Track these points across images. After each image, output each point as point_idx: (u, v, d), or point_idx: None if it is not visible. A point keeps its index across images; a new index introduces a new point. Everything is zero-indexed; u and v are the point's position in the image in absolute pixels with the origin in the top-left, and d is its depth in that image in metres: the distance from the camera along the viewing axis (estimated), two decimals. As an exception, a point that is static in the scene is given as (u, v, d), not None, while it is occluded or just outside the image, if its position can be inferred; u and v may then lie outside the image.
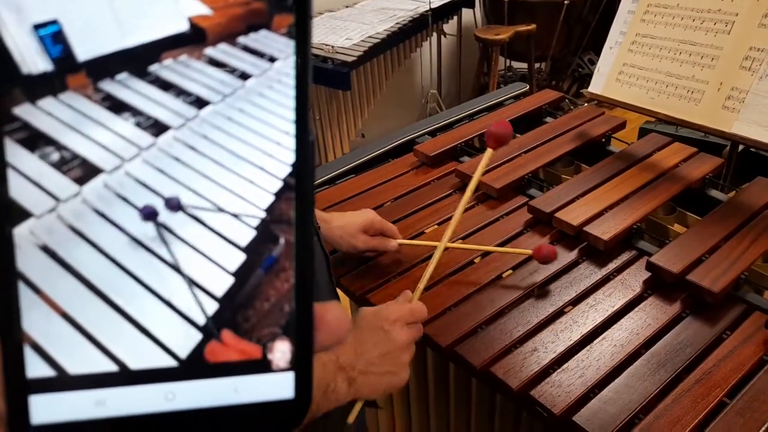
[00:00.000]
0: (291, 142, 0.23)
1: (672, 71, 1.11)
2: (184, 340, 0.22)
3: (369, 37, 2.34)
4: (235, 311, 0.23)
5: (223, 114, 0.25)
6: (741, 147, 1.28)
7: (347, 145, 2.52)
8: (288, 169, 0.23)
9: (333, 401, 0.59)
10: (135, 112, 0.24)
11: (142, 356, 0.22)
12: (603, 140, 1.28)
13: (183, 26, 0.24)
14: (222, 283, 0.23)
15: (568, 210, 1.03)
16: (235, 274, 0.23)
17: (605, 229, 0.97)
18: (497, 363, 0.79)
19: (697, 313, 0.84)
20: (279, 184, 0.23)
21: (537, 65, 3.25)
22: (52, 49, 0.23)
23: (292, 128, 0.23)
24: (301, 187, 0.23)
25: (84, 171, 0.23)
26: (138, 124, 0.24)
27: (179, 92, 0.25)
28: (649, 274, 0.91)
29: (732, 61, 1.03)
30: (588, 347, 0.80)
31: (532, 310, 0.87)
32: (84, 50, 0.23)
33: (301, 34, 0.23)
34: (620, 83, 1.20)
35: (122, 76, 0.24)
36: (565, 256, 0.96)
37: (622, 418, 0.71)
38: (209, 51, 0.25)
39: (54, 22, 0.22)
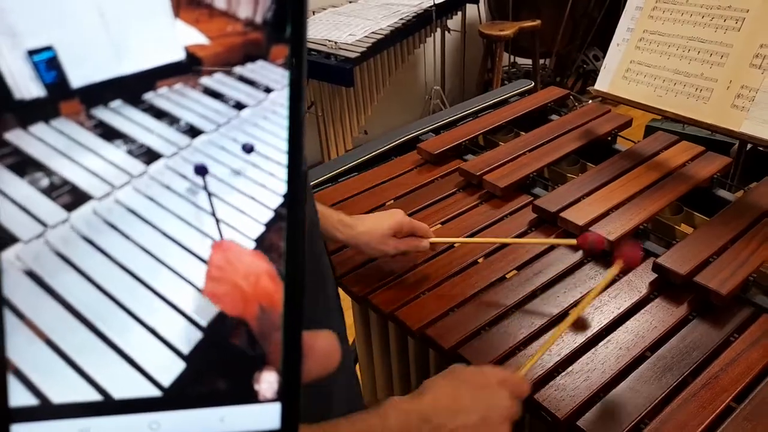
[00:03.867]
0: (283, 173, 0.23)
1: (680, 69, 1.09)
2: (169, 370, 0.22)
3: (372, 33, 2.32)
4: (219, 339, 0.23)
5: (216, 143, 0.25)
6: (749, 146, 1.27)
7: (350, 142, 2.50)
8: (280, 200, 0.23)
9: None
10: (127, 139, 0.24)
11: (126, 385, 0.22)
12: (609, 138, 1.26)
13: (179, 55, 0.24)
14: (208, 312, 0.23)
15: (573, 209, 1.01)
16: None
17: (611, 229, 0.96)
18: (501, 366, 0.78)
19: (704, 316, 0.83)
20: (270, 215, 0.23)
21: (542, 61, 3.23)
22: (46, 75, 0.22)
23: (284, 159, 0.23)
24: (292, 218, 0.23)
25: (73, 197, 0.23)
26: (130, 152, 0.25)
27: (173, 120, 0.25)
28: (656, 275, 0.89)
29: (742, 59, 1.01)
30: (593, 350, 0.79)
31: (536, 312, 0.85)
32: (78, 76, 0.23)
33: (295, 65, 0.22)
34: (627, 81, 1.18)
35: (116, 103, 0.24)
36: (570, 257, 0.95)
37: (627, 422, 0.70)
38: (205, 80, 0.25)
39: (48, 48, 0.22)
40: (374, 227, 0.84)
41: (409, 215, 1.08)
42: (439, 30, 2.92)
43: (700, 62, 1.06)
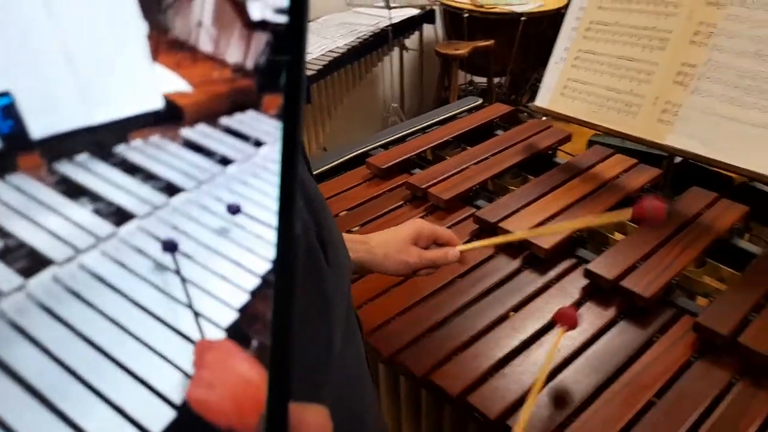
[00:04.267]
0: (273, 236, 0.20)
1: (612, 86, 1.15)
2: None
3: (329, 51, 2.36)
4: (195, 418, 0.20)
5: (197, 203, 0.22)
6: (680, 159, 1.33)
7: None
8: (268, 266, 0.20)
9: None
10: (94, 197, 0.21)
11: None
12: (550, 152, 1.32)
13: (157, 103, 0.21)
14: (180, 389, 0.20)
15: (512, 219, 1.06)
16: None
17: (547, 238, 1.00)
18: (438, 370, 0.80)
19: (630, 318, 0.88)
20: (256, 281, 0.21)
21: (498, 80, 3.31)
22: (2, 125, 0.20)
23: (275, 220, 0.20)
24: (281, 286, 0.20)
25: (31, 262, 0.20)
26: (97, 211, 0.21)
27: (148, 177, 0.22)
28: (588, 281, 0.94)
29: (667, 76, 1.07)
30: (525, 352, 0.82)
31: (476, 318, 0.89)
32: (39, 126, 0.20)
33: (290, 114, 0.19)
34: (565, 97, 1.24)
35: (82, 156, 0.21)
36: (508, 265, 0.99)
37: (557, 420, 0.73)
38: (186, 132, 0.22)
39: (6, 94, 0.19)
40: (391, 237, 0.78)
41: (359, 227, 1.12)
42: (397, 49, 2.99)
43: (630, 79, 1.12)
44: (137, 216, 0.22)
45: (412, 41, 3.15)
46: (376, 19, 2.74)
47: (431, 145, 1.36)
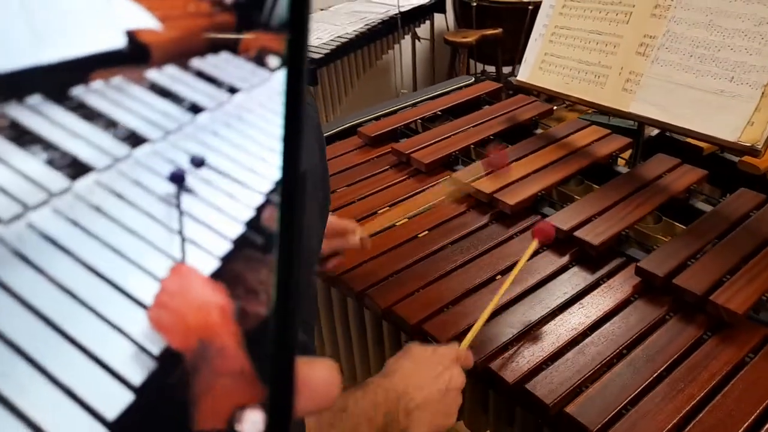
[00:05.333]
0: (247, 194, 0.18)
1: (583, 59, 1.23)
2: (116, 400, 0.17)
3: (338, 36, 2.46)
4: (156, 402, 0.18)
5: (163, 155, 0.20)
6: (657, 132, 1.40)
7: (318, 141, 2.63)
8: (239, 228, 0.19)
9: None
10: (47, 146, 0.19)
11: (64, 423, 0.17)
12: (530, 125, 1.40)
13: (119, 41, 0.19)
14: (140, 368, 0.18)
15: (483, 181, 1.14)
16: (158, 358, 0.18)
17: (513, 196, 1.09)
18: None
19: (581, 264, 0.96)
20: (227, 246, 0.19)
21: (511, 68, 3.38)
22: None
23: (248, 176, 0.18)
24: (287, 227, 0.18)
25: None
26: (50, 162, 0.19)
27: (109, 124, 0.20)
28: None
29: (630, 48, 1.15)
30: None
31: (438, 262, 0.97)
32: None
33: (295, 61, 0.18)
34: (542, 71, 1.32)
35: (34, 99, 0.19)
36: (478, 219, 1.08)
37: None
38: (153, 74, 0.20)
39: None
40: None
41: (345, 187, 1.21)
42: (408, 38, 3.08)
43: (598, 52, 1.20)
44: (95, 169, 0.19)
45: (424, 31, 3.23)
46: (385, 7, 2.83)
47: (418, 117, 1.45)
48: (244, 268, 0.19)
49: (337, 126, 1.46)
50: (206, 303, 0.18)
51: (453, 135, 1.34)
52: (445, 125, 1.40)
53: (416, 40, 3.22)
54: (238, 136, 0.20)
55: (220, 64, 0.20)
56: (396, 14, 2.74)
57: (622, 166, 1.24)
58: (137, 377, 0.18)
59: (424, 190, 1.19)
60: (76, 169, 0.19)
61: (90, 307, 0.18)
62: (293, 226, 0.18)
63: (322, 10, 2.90)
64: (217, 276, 0.19)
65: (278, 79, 0.17)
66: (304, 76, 0.18)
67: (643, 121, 1.15)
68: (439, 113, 1.48)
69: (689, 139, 1.30)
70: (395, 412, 0.60)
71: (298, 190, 0.18)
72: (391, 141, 1.38)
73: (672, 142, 1.39)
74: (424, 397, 0.62)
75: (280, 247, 0.18)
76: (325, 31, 2.52)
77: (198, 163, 0.20)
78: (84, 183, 0.19)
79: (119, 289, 0.18)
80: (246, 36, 0.19)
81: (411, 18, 2.90)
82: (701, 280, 0.87)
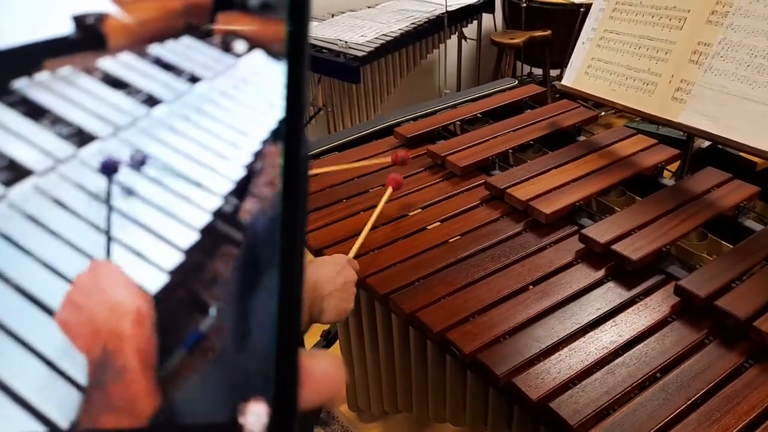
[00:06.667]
0: (203, 196, 0.17)
1: (631, 65, 1.18)
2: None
3: (382, 35, 2.44)
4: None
5: (111, 155, 0.18)
6: (707, 144, 1.34)
7: (359, 138, 2.62)
8: (193, 237, 0.17)
9: (306, 319, 0.71)
10: None
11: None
12: (573, 130, 1.35)
13: (66, 27, 0.17)
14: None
15: (519, 187, 1.11)
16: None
17: (549, 204, 1.05)
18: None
19: (618, 280, 0.92)
20: (178, 257, 0.17)
21: (558, 71, 3.31)
22: None
23: (208, 175, 0.17)
24: (288, 218, 0.18)
25: None
26: None
27: (54, 120, 0.18)
28: (582, 245, 0.98)
29: (683, 55, 1.09)
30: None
31: (466, 271, 0.95)
32: None
33: (295, 48, 0.17)
34: (588, 76, 1.27)
35: None
36: (512, 227, 1.04)
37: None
38: (105, 63, 0.18)
39: None
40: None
41: (379, 187, 1.20)
42: (455, 38, 3.04)
43: (648, 58, 1.15)
44: (35, 172, 0.17)
45: (471, 30, 3.19)
46: (432, 6, 2.80)
47: (458, 119, 1.42)
48: (222, 266, 0.18)
49: (373, 125, 1.44)
50: (121, 305, 0.17)
51: (491, 138, 1.31)
52: (485, 128, 1.36)
53: (463, 40, 3.18)
54: (197, 131, 0.18)
55: (180, 50, 0.18)
56: (443, 13, 2.71)
57: (667, 179, 1.19)
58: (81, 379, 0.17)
59: (458, 194, 1.16)
60: (13, 173, 0.17)
61: (45, 307, 0.17)
62: (295, 226, 0.18)
63: (369, 7, 2.89)
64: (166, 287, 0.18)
65: (245, 65, 0.16)
66: (305, 69, 0.17)
67: (692, 132, 1.10)
68: (479, 116, 1.45)
69: (741, 153, 1.23)
70: (312, 299, 0.74)
71: (301, 198, 0.18)
72: (427, 142, 1.35)
73: (723, 155, 1.32)
74: (332, 288, 0.77)
75: (282, 261, 0.18)
76: (370, 28, 2.51)
77: (138, 162, 0.18)
78: (21, 189, 0.17)
79: (35, 301, 0.17)
80: (222, 16, 0.17)
81: (458, 17, 2.86)
82: (746, 303, 0.82)
